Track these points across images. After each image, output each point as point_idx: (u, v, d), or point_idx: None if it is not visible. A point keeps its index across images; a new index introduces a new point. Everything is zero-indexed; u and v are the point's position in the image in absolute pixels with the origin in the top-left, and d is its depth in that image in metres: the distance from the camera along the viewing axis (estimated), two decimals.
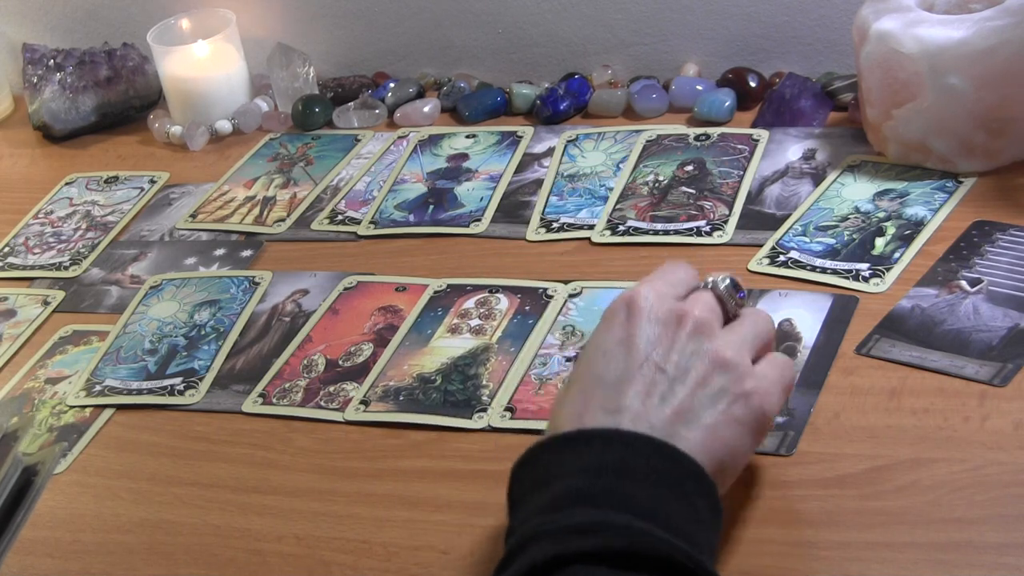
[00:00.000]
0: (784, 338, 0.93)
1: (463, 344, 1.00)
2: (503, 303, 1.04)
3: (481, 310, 1.04)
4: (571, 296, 1.03)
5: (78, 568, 0.89)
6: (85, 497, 0.95)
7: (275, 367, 1.03)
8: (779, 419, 0.87)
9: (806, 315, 0.95)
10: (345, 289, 1.10)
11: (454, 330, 1.02)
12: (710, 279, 0.82)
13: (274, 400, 1.00)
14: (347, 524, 0.87)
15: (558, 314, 1.01)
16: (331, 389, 0.99)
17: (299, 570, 0.85)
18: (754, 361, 0.79)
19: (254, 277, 1.14)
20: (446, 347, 1.01)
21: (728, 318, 0.81)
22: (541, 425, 0.92)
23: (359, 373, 1.00)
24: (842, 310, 0.95)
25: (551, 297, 1.03)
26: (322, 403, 0.98)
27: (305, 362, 1.03)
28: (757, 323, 0.80)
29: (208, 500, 0.92)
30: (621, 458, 0.72)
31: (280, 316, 1.09)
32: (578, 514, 0.70)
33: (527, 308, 1.03)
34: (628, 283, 1.02)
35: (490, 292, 1.05)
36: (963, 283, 0.95)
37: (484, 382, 0.96)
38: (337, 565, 0.85)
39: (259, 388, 1.01)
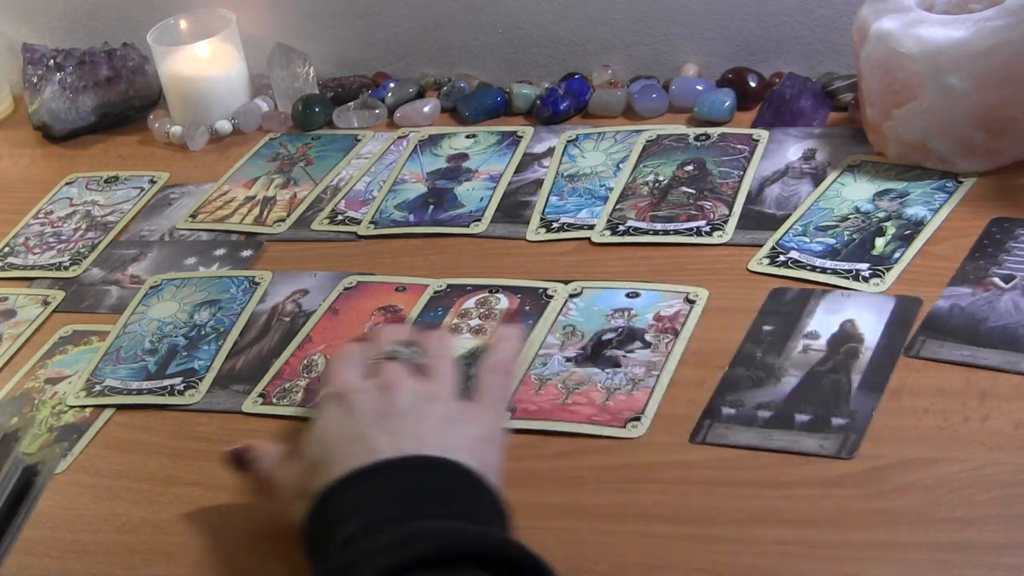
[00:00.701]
0: (846, 339, 0.93)
1: (463, 344, 1.00)
2: (503, 303, 1.04)
3: (481, 310, 1.04)
4: (572, 296, 1.03)
5: (78, 568, 0.89)
6: (85, 497, 0.95)
7: (275, 367, 1.03)
8: (839, 421, 0.86)
9: (868, 316, 0.95)
10: (345, 289, 1.10)
11: (454, 330, 1.02)
12: (389, 350, 0.88)
13: (274, 400, 1.00)
14: None
15: (558, 314, 1.01)
16: None
17: (299, 570, 0.85)
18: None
19: (254, 277, 1.14)
20: None
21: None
22: (541, 425, 0.92)
23: None
24: (905, 312, 0.94)
25: (551, 297, 1.03)
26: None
27: (305, 362, 1.03)
28: (443, 369, 0.87)
29: (208, 500, 0.92)
30: (401, 479, 0.78)
31: (280, 316, 1.09)
32: (388, 533, 0.74)
33: (527, 308, 1.03)
34: (628, 283, 1.03)
35: (490, 292, 1.06)
36: (997, 280, 0.95)
37: None
38: None
39: (259, 388, 1.01)
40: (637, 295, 1.01)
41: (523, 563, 0.73)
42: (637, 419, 0.90)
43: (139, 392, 1.04)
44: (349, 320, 1.06)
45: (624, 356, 0.96)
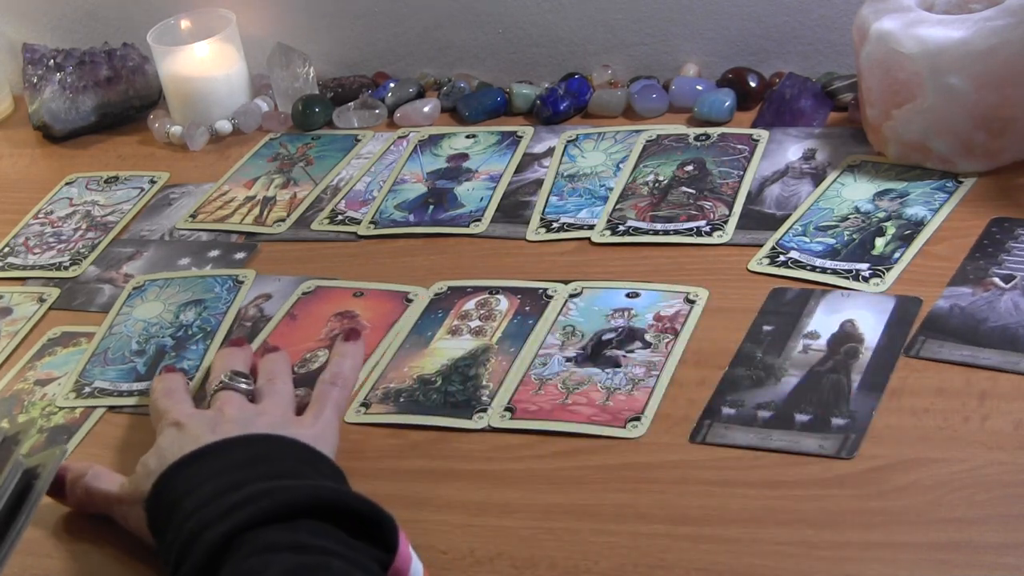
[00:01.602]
0: (846, 339, 0.93)
1: (463, 345, 1.00)
2: (503, 304, 1.04)
3: (481, 311, 1.04)
4: (572, 296, 1.03)
5: (78, 568, 0.89)
6: None
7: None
8: (839, 422, 0.86)
9: (869, 316, 0.95)
10: (304, 294, 1.10)
11: (454, 332, 1.02)
12: (220, 378, 0.95)
13: None
14: None
15: (558, 314, 1.01)
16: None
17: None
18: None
19: (238, 276, 1.14)
20: (446, 348, 1.01)
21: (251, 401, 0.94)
22: (541, 425, 0.92)
23: (311, 381, 0.98)
24: (906, 312, 0.94)
25: (551, 297, 1.03)
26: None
27: None
28: (278, 389, 0.95)
29: None
30: (240, 451, 0.84)
31: (242, 321, 1.09)
32: (228, 498, 0.78)
33: (527, 309, 1.03)
34: (628, 283, 1.03)
35: (490, 293, 1.05)
36: (996, 280, 0.95)
37: (484, 382, 0.96)
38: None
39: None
40: (637, 295, 1.01)
41: (361, 512, 0.77)
42: (637, 419, 0.90)
43: (129, 393, 1.03)
44: (307, 326, 1.06)
45: (624, 356, 0.96)
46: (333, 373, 0.97)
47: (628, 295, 1.02)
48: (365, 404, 0.97)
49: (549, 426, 0.92)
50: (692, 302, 0.99)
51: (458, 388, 0.96)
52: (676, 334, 0.97)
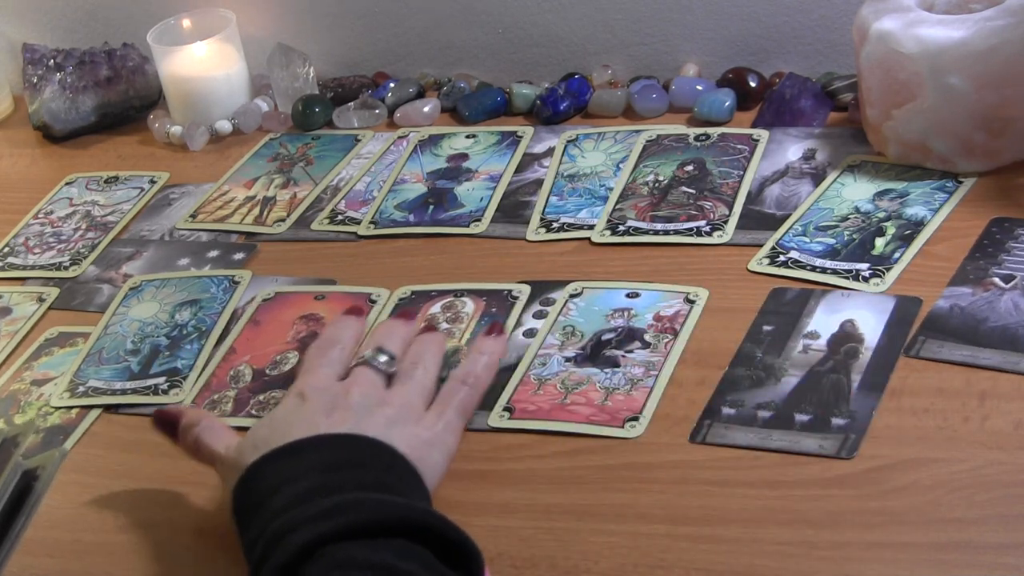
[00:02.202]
0: (846, 339, 0.93)
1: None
2: (469, 306, 1.04)
3: (448, 314, 1.04)
4: (572, 296, 1.03)
5: (78, 568, 0.89)
6: (85, 497, 0.95)
7: (202, 380, 1.03)
8: (839, 422, 0.86)
9: (869, 316, 0.95)
10: (263, 300, 1.10)
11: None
12: (363, 355, 0.92)
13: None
14: None
15: (559, 314, 1.01)
16: (261, 398, 1.00)
17: None
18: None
19: (233, 276, 1.14)
20: None
21: (388, 382, 0.91)
22: (539, 425, 0.92)
23: (288, 381, 0.99)
24: (906, 312, 0.94)
25: (516, 298, 1.04)
26: (253, 412, 0.98)
27: (232, 373, 1.03)
28: (415, 375, 0.91)
29: (208, 500, 0.92)
30: (333, 452, 0.81)
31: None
32: (317, 504, 0.76)
33: (493, 310, 1.03)
34: (629, 283, 1.03)
35: (455, 296, 1.06)
36: (997, 280, 0.95)
37: None
38: None
39: (187, 401, 1.01)
40: (637, 295, 1.01)
41: (448, 536, 0.75)
42: (635, 419, 0.90)
43: (123, 392, 1.04)
44: (271, 330, 1.06)
45: (623, 356, 0.96)
46: (465, 371, 0.92)
47: (628, 295, 1.02)
48: None
49: (548, 426, 0.92)
50: (692, 302, 0.99)
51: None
52: (675, 334, 0.97)
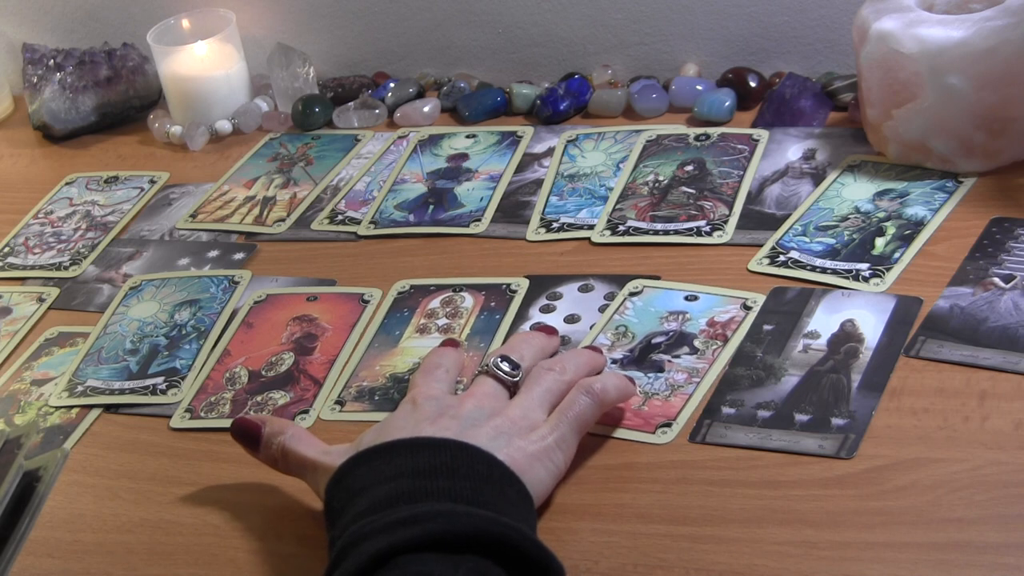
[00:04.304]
0: (846, 339, 0.93)
1: (432, 343, 1.00)
2: (468, 301, 1.05)
3: (447, 309, 1.04)
4: (631, 295, 1.02)
5: (78, 568, 0.89)
6: (85, 497, 0.95)
7: (198, 382, 1.03)
8: (839, 422, 0.86)
9: (869, 316, 0.95)
10: (255, 302, 1.10)
11: (422, 330, 1.03)
12: (487, 366, 0.89)
13: (202, 414, 1.00)
14: None
15: (614, 312, 1.00)
16: (258, 399, 1.00)
17: (300, 570, 0.85)
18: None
19: (233, 276, 1.14)
20: (416, 347, 1.01)
21: (512, 391, 0.88)
22: None
23: (284, 382, 1.00)
24: (906, 312, 0.94)
25: (515, 292, 1.04)
26: (251, 412, 0.98)
27: (228, 375, 1.03)
28: (541, 386, 0.87)
29: (208, 500, 0.92)
30: (429, 457, 0.79)
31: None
32: (400, 510, 0.74)
33: (492, 304, 1.03)
34: (689, 285, 1.02)
35: (454, 291, 1.06)
36: (997, 280, 0.95)
37: (456, 378, 0.97)
38: None
39: (185, 403, 1.01)
40: (696, 298, 1.00)
41: (531, 556, 0.73)
42: (668, 425, 0.89)
43: (121, 392, 1.04)
44: (264, 332, 1.06)
45: (669, 361, 0.95)
46: (591, 381, 0.87)
47: (687, 297, 1.01)
48: (339, 402, 0.97)
49: None
50: (749, 308, 0.98)
51: None
52: (726, 341, 0.96)
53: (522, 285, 1.05)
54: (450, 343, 0.96)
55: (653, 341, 0.97)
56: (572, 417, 0.85)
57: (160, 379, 1.04)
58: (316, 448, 0.86)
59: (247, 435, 0.89)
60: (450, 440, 0.80)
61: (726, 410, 0.89)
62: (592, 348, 0.94)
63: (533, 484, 0.82)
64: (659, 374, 0.94)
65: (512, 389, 0.88)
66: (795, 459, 0.85)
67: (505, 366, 0.89)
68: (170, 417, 1.00)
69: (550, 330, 0.96)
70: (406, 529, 0.73)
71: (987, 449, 0.83)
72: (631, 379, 0.91)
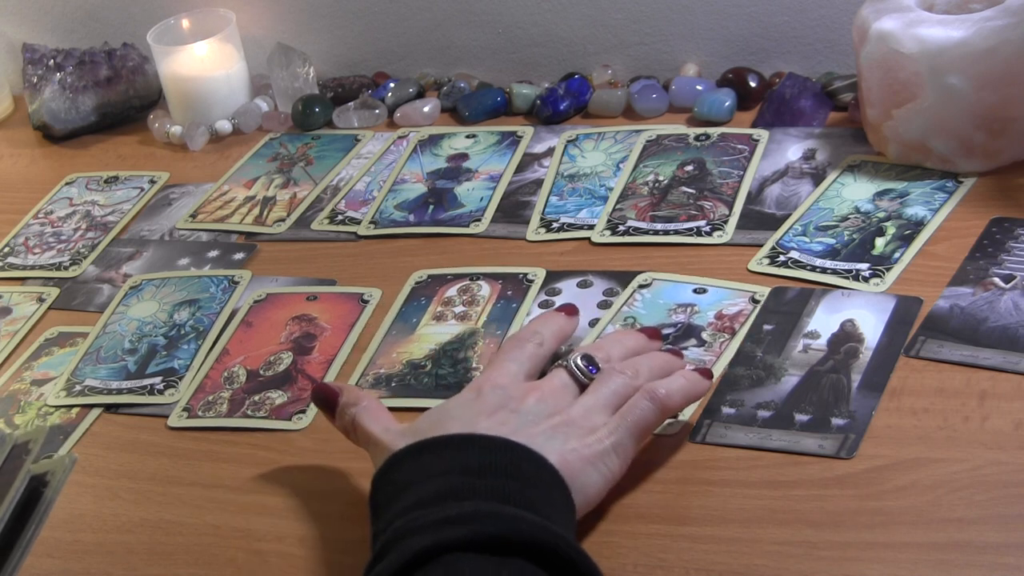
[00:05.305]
0: (846, 339, 0.93)
1: (449, 330, 1.01)
2: (485, 289, 1.05)
3: (464, 297, 1.04)
4: (641, 287, 1.02)
5: (78, 568, 0.89)
6: (85, 497, 0.95)
7: (196, 381, 1.03)
8: (839, 422, 0.86)
9: (869, 316, 0.94)
10: (255, 301, 1.10)
11: (439, 317, 1.03)
12: (566, 360, 0.86)
13: (199, 413, 1.00)
14: (349, 524, 0.87)
15: (623, 304, 1.00)
16: (256, 398, 1.00)
17: (300, 571, 0.85)
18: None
19: (233, 276, 1.14)
20: (433, 334, 1.02)
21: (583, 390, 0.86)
22: None
23: (282, 381, 1.01)
24: (906, 312, 0.94)
25: (532, 281, 1.04)
26: (248, 412, 0.99)
27: (226, 374, 1.03)
28: (609, 386, 0.85)
29: (208, 500, 0.92)
30: (479, 455, 0.78)
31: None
32: (447, 508, 0.73)
33: (509, 293, 1.03)
34: (698, 278, 1.02)
35: (471, 280, 1.06)
36: (997, 280, 0.95)
37: (474, 364, 0.97)
38: (339, 565, 0.85)
39: (183, 402, 1.01)
40: (704, 291, 1.00)
41: (576, 563, 0.72)
42: (674, 417, 0.89)
43: (119, 392, 1.04)
44: (264, 331, 1.07)
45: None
46: (655, 389, 0.84)
47: (695, 290, 1.01)
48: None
49: None
50: (757, 302, 0.99)
51: (448, 371, 0.97)
52: (733, 334, 0.96)
53: (539, 275, 1.05)
54: (567, 309, 0.92)
55: (661, 332, 0.97)
56: (632, 422, 0.83)
57: (158, 379, 1.04)
58: (381, 424, 0.85)
59: (325, 401, 0.89)
60: (501, 439, 0.79)
61: (726, 410, 0.89)
62: (673, 352, 0.91)
63: (584, 487, 0.80)
64: None
65: (584, 388, 0.86)
66: (795, 459, 0.85)
67: (582, 363, 0.86)
68: (167, 417, 1.00)
69: (653, 333, 0.92)
70: (453, 528, 0.72)
71: (987, 449, 0.83)
72: (706, 371, 0.88)
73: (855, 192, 1.08)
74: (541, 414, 0.83)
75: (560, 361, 0.87)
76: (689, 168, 1.15)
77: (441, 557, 0.70)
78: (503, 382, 0.85)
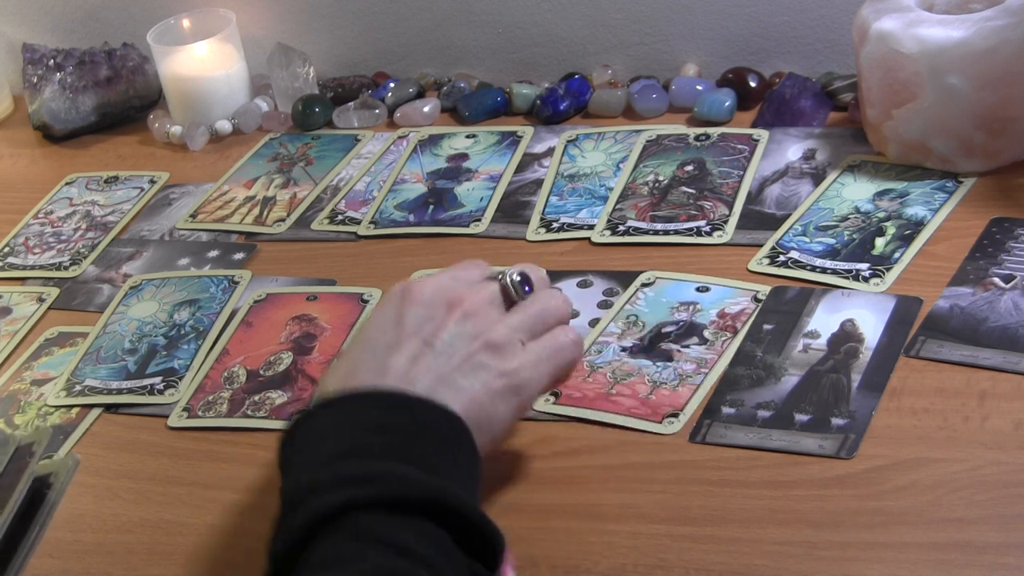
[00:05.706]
0: (846, 339, 0.93)
1: None
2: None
3: None
4: (644, 285, 1.02)
5: (78, 568, 0.89)
6: (85, 497, 0.95)
7: (196, 381, 1.03)
8: (839, 422, 0.86)
9: (869, 316, 0.95)
10: (255, 301, 1.10)
11: None
12: (499, 272, 0.86)
13: (199, 413, 1.00)
14: None
15: (626, 302, 1.01)
16: (256, 398, 1.00)
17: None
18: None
19: (233, 276, 1.14)
20: None
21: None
22: (582, 413, 0.91)
23: (282, 381, 1.01)
24: (906, 312, 0.94)
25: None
26: (248, 412, 0.99)
27: (226, 374, 1.03)
28: (540, 305, 0.84)
29: (208, 500, 0.92)
30: (385, 413, 0.77)
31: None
32: (351, 466, 0.74)
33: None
34: (701, 277, 1.02)
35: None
36: (997, 280, 0.95)
37: None
38: None
39: (183, 402, 1.01)
40: (707, 289, 1.01)
41: (474, 523, 0.73)
42: (675, 415, 0.90)
43: (119, 392, 1.04)
44: (264, 331, 1.07)
45: (678, 350, 0.95)
46: (574, 329, 0.85)
47: (698, 289, 1.01)
48: None
49: (590, 415, 0.91)
50: (759, 301, 0.99)
51: None
52: (735, 333, 0.96)
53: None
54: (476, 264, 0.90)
55: (663, 330, 0.97)
56: (551, 354, 0.83)
57: (158, 379, 1.04)
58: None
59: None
60: (407, 395, 0.78)
61: (726, 410, 0.89)
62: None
63: (492, 424, 0.81)
64: (668, 363, 0.94)
65: (511, 307, 0.85)
66: (795, 459, 0.85)
67: (518, 279, 0.85)
68: (167, 417, 1.00)
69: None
70: (358, 488, 0.72)
71: (987, 449, 0.83)
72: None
73: (855, 192, 1.08)
74: (460, 342, 0.81)
75: (495, 275, 0.86)
76: (689, 168, 1.15)
77: (347, 516, 0.71)
78: (426, 298, 0.83)
